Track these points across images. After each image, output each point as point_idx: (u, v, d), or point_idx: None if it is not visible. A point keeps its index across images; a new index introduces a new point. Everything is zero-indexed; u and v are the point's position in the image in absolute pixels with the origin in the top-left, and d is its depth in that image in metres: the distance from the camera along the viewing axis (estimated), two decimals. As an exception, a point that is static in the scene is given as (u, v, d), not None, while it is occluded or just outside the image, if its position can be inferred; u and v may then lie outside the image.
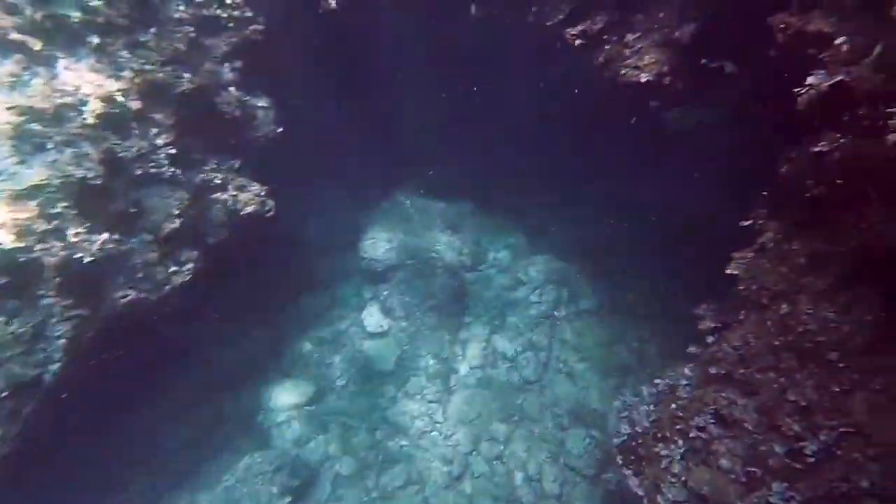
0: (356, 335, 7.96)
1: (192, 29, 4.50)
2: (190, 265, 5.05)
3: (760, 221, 3.29)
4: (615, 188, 10.51)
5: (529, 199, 10.27)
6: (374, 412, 7.12)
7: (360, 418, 6.99)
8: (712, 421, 3.16)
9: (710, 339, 3.35)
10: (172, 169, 4.61)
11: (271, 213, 6.11)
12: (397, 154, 9.28)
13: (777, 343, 2.92)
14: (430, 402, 7.36)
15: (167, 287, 4.78)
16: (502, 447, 6.73)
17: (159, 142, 4.50)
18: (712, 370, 3.24)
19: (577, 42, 4.95)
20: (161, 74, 4.32)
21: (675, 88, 4.22)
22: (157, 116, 4.45)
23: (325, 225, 8.81)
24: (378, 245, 8.64)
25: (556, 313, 8.25)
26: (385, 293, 8.33)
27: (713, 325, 3.58)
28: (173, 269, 4.83)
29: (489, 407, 7.12)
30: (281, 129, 5.67)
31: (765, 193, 3.28)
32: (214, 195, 5.40)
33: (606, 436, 6.53)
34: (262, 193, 5.90)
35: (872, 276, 2.56)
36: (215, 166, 5.28)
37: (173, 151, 4.55)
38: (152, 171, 4.49)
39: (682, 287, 8.45)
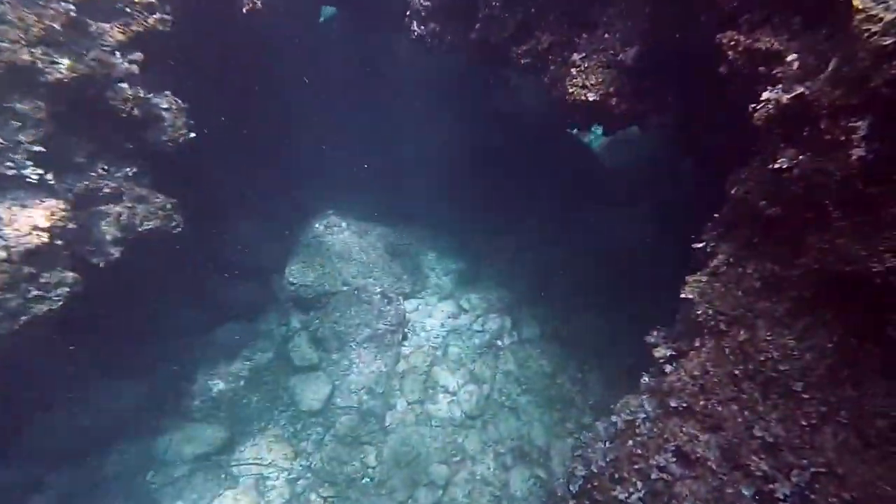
0: (280, 370, 7.06)
1: (72, 7, 3.75)
2: (62, 290, 4.09)
3: (712, 244, 3.17)
4: (556, 216, 10.73)
5: (472, 225, 10.13)
6: (296, 460, 6.21)
7: (278, 467, 6.05)
8: (673, 460, 2.87)
9: (668, 368, 3.11)
10: (40, 172, 3.73)
11: (179, 228, 5.26)
12: (329, 172, 8.74)
13: (737, 372, 2.72)
14: (363, 443, 6.60)
15: (22, 318, 3.79)
16: (441, 492, 6.11)
17: (22, 138, 3.62)
18: (672, 402, 2.98)
19: (524, 61, 4.84)
20: (26, 56, 3.51)
21: (619, 110, 4.16)
22: (21, 107, 3.60)
23: (244, 246, 7.92)
24: (308, 270, 7.90)
25: (499, 342, 7.94)
26: (316, 322, 7.55)
27: (668, 352, 3.37)
28: (35, 294, 3.85)
29: (428, 447, 6.51)
30: (193, 135, 4.94)
31: (716, 216, 3.17)
32: (103, 206, 4.51)
33: (550, 475, 6.17)
34: (168, 206, 5.06)
35: (832, 299, 2.44)
36: (104, 172, 4.42)
37: (40, 150, 3.69)
38: (9, 172, 3.59)
39: (624, 315, 8.58)
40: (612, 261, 9.72)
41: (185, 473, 5.59)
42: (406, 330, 8.01)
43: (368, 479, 6.14)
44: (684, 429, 2.90)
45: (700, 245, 3.24)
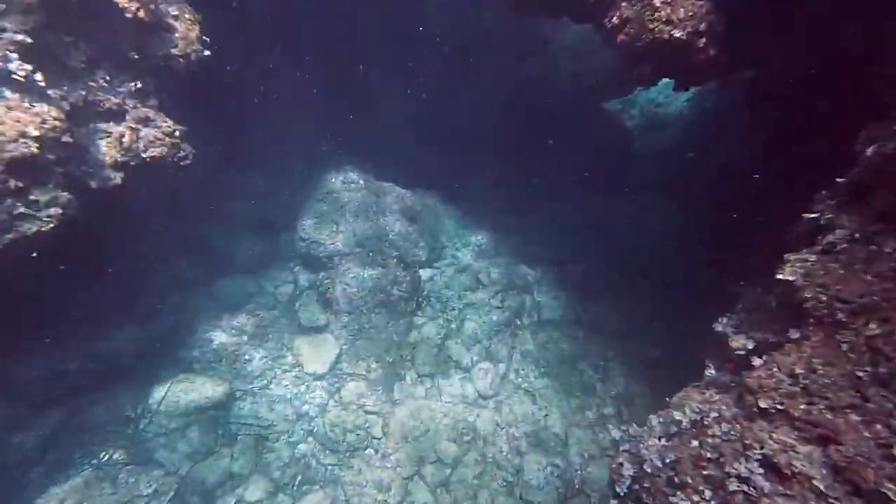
0: (285, 328, 6.64)
1: None
2: (54, 211, 3.61)
3: (829, 215, 2.57)
4: (584, 196, 10.10)
5: (494, 197, 9.55)
6: (297, 423, 5.85)
7: (278, 429, 5.69)
8: (760, 471, 2.36)
9: (756, 362, 2.57)
10: (27, 68, 3.19)
11: (188, 161, 4.74)
12: (359, 121, 8.13)
13: (862, 375, 2.18)
14: (369, 412, 6.21)
15: (7, 237, 3.32)
16: (449, 471, 5.73)
17: (7, 24, 3.07)
18: (761, 403, 2.45)
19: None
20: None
21: (706, 56, 3.50)
22: (8, -13, 3.04)
23: (257, 194, 7.42)
24: (322, 227, 7.40)
25: (517, 321, 7.45)
26: (326, 282, 7.08)
27: (750, 343, 2.82)
28: (22, 211, 3.38)
29: (437, 422, 6.10)
30: (208, 53, 4.36)
31: (837, 181, 2.57)
32: (102, 124, 3.99)
33: (568, 465, 5.75)
34: (177, 133, 4.53)
35: None
36: (105, 84, 3.88)
37: (28, 41, 3.14)
38: (-9, 63, 3.06)
39: (646, 304, 8.04)
40: (639, 247, 9.15)
41: (181, 426, 5.23)
42: (420, 299, 7.54)
43: (373, 451, 5.77)
44: (775, 436, 2.37)
45: (812, 216, 2.65)
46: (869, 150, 2.43)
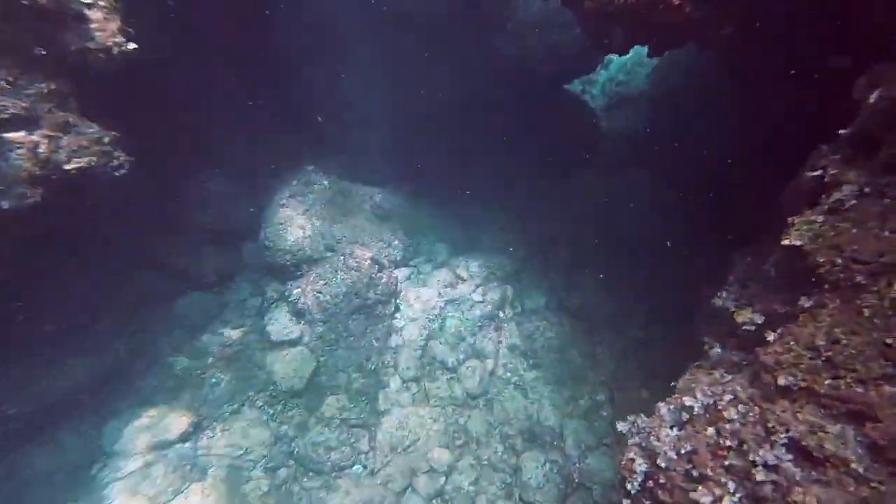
0: (255, 345, 6.15)
1: None
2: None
3: (833, 171, 2.37)
4: (555, 178, 9.93)
5: (466, 187, 9.26)
6: (275, 446, 5.40)
7: (253, 456, 5.23)
8: (789, 456, 2.14)
9: (770, 337, 2.35)
10: None
11: (122, 171, 4.22)
12: (323, 119, 7.64)
13: (892, 342, 1.97)
14: (353, 426, 5.82)
15: None
16: (443, 480, 5.42)
17: None
18: (780, 380, 2.23)
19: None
20: None
21: (682, 14, 3.28)
22: None
23: (217, 202, 6.87)
24: (288, 233, 6.91)
25: (500, 314, 7.18)
26: (296, 292, 6.62)
27: (759, 317, 2.61)
28: None
29: (427, 429, 5.77)
30: (133, 46, 3.84)
31: (841, 133, 2.36)
32: (10, 133, 3.44)
33: (566, 459, 5.53)
34: (105, 140, 4.00)
35: None
36: (7, 86, 3.33)
37: None
38: None
39: (625, 283, 7.93)
40: (613, 227, 9.05)
41: (141, 466, 4.70)
42: (398, 301, 7.18)
43: (360, 467, 5.39)
44: (801, 416, 2.16)
45: (815, 174, 2.44)
46: (872, 97, 2.23)
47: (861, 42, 2.57)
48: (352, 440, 5.63)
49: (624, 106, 11.18)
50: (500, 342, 6.79)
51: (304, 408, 5.80)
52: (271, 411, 5.55)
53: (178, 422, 4.97)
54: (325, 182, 7.71)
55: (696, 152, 7.45)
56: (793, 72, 3.11)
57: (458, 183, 9.13)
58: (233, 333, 6.02)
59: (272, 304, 6.68)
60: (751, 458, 2.25)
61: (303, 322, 6.48)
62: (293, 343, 6.29)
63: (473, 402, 6.17)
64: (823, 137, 2.60)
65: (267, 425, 5.43)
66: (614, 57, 11.76)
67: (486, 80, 8.62)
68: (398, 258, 7.75)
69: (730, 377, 2.60)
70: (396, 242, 7.82)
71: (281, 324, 6.41)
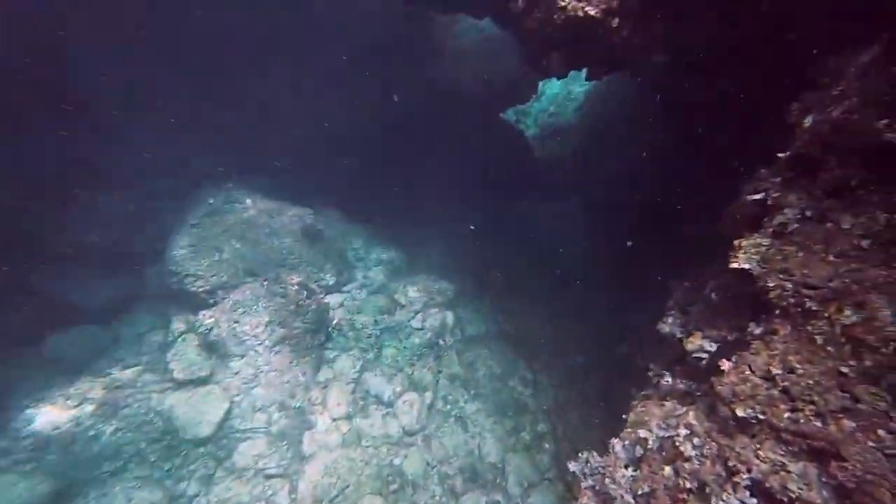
0: (152, 386, 5.22)
1: None
2: None
3: (774, 194, 2.33)
4: (490, 206, 9.96)
5: (401, 210, 8.95)
6: (173, 509, 4.51)
7: (146, 524, 4.31)
8: (753, 501, 1.96)
9: (725, 366, 2.21)
10: None
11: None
12: (245, 135, 6.98)
13: (846, 370, 1.88)
14: (271, 476, 5.07)
15: None
16: (376, 533, 4.83)
17: None
18: (738, 411, 2.08)
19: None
20: None
21: (620, 36, 3.27)
22: None
23: (112, 222, 5.92)
24: (199, 256, 6.12)
25: (440, 342, 6.81)
26: (209, 322, 5.80)
27: (710, 345, 2.49)
28: None
29: (358, 475, 5.17)
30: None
31: (779, 156, 2.35)
32: None
33: (508, 499, 5.19)
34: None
35: None
36: None
37: None
38: None
39: (560, 308, 7.96)
40: (547, 254, 9.20)
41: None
42: (330, 329, 6.57)
43: (278, 527, 4.65)
44: (761, 453, 2.00)
45: (756, 197, 2.40)
46: (807, 121, 2.23)
47: (786, 73, 2.62)
48: (269, 493, 4.88)
49: (556, 136, 11.62)
50: (439, 372, 6.40)
51: (210, 457, 4.97)
52: (167, 466, 4.66)
53: (32, 492, 3.95)
54: (248, 200, 7.02)
55: (622, 179, 7.78)
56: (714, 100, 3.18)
57: (394, 206, 8.80)
58: (123, 374, 5.07)
59: (179, 337, 5.79)
60: (713, 502, 2.05)
61: (215, 357, 5.66)
62: (202, 382, 5.45)
63: (410, 439, 5.67)
64: (749, 160, 2.62)
65: (160, 484, 4.54)
66: (546, 90, 12.29)
67: (421, 104, 8.49)
68: (330, 283, 7.17)
69: (683, 409, 2.43)
70: (328, 266, 7.26)
71: (188, 359, 5.55)
